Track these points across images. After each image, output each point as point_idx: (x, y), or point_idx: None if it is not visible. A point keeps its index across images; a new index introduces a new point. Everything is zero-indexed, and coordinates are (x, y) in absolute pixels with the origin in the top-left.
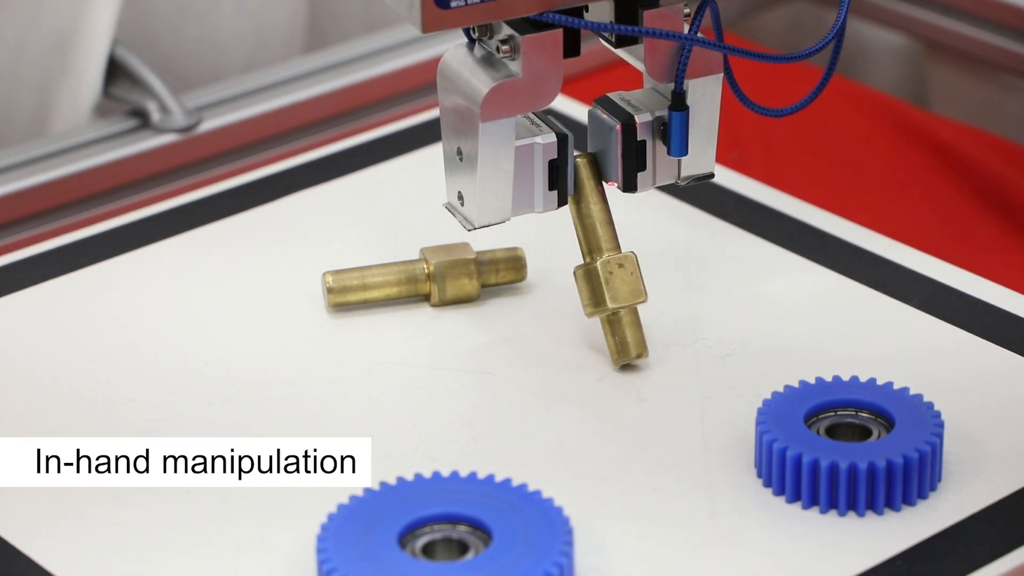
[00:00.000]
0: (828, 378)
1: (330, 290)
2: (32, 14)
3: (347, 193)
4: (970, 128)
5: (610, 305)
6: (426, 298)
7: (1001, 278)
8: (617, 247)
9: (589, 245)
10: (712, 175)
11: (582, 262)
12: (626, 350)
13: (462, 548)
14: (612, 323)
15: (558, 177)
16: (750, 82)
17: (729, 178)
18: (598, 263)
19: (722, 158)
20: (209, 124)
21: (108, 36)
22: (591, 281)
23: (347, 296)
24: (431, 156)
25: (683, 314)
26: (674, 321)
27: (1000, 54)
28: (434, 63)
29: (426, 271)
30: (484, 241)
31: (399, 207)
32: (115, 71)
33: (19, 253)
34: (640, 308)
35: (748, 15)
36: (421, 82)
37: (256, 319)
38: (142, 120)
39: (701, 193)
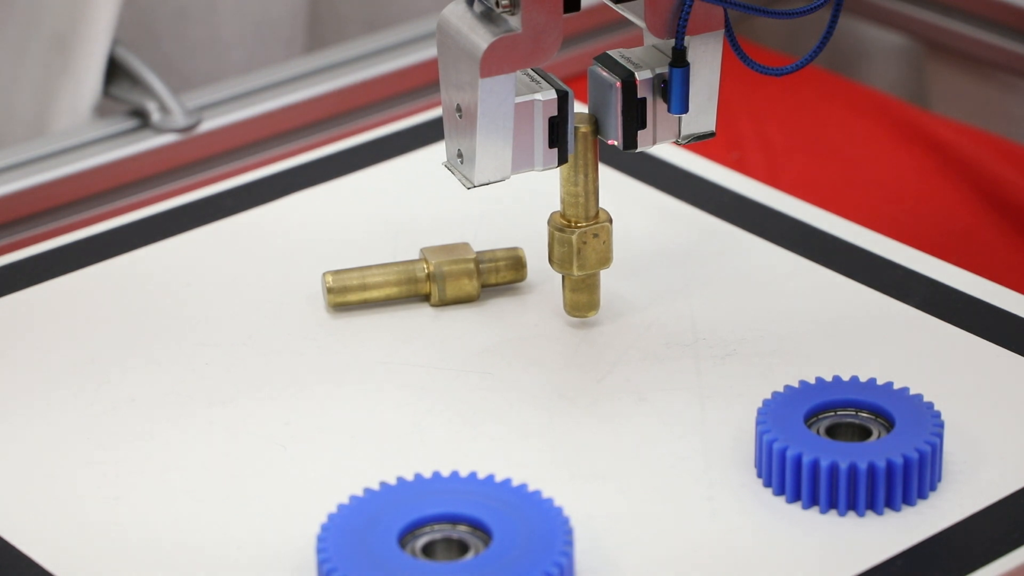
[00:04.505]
0: (828, 378)
1: (330, 290)
2: (32, 14)
3: (347, 193)
4: (970, 128)
5: (576, 273)
6: (426, 298)
7: (1001, 278)
8: (597, 215)
9: (571, 211)
10: (712, 133)
11: (561, 214)
12: (580, 308)
13: (462, 548)
14: (572, 280)
15: (558, 135)
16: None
17: (729, 178)
18: (575, 235)
19: (722, 158)
20: (209, 124)
21: (108, 36)
22: (564, 245)
23: (347, 296)
24: (431, 156)
25: (683, 314)
26: (674, 321)
27: (1000, 54)
28: (434, 63)
29: (426, 271)
30: (484, 241)
31: (399, 207)
32: (115, 71)
33: (19, 253)
34: (640, 309)
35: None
36: (421, 82)
37: (256, 319)
38: (142, 120)
39: (701, 193)
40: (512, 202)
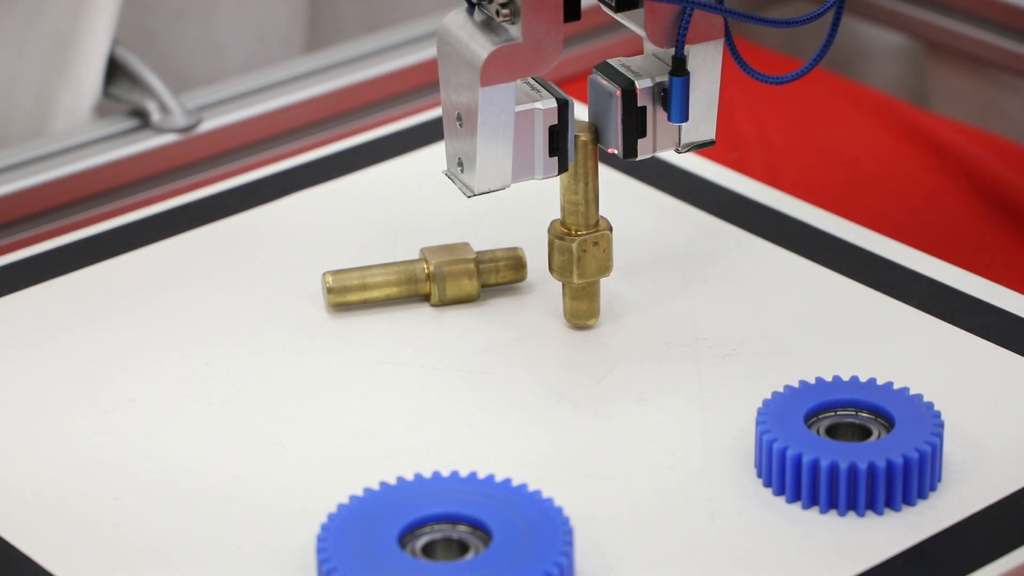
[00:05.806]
0: (828, 378)
1: (330, 290)
2: (32, 14)
3: (347, 193)
4: (970, 128)
5: (576, 281)
6: (426, 298)
7: (1001, 278)
8: (597, 223)
9: (571, 220)
10: (712, 142)
11: (561, 222)
12: (579, 316)
13: (462, 548)
14: (572, 288)
15: (558, 143)
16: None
17: (729, 178)
18: (575, 243)
19: (722, 158)
20: (209, 124)
21: (108, 36)
22: (564, 253)
23: (347, 296)
24: (431, 156)
25: (683, 314)
26: (674, 321)
27: (1000, 54)
28: (434, 63)
29: (426, 271)
30: (484, 241)
31: (399, 207)
32: (115, 71)
33: (19, 253)
34: (640, 309)
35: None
36: (421, 82)
37: (256, 319)
38: (142, 120)
39: (701, 193)
40: (512, 202)
